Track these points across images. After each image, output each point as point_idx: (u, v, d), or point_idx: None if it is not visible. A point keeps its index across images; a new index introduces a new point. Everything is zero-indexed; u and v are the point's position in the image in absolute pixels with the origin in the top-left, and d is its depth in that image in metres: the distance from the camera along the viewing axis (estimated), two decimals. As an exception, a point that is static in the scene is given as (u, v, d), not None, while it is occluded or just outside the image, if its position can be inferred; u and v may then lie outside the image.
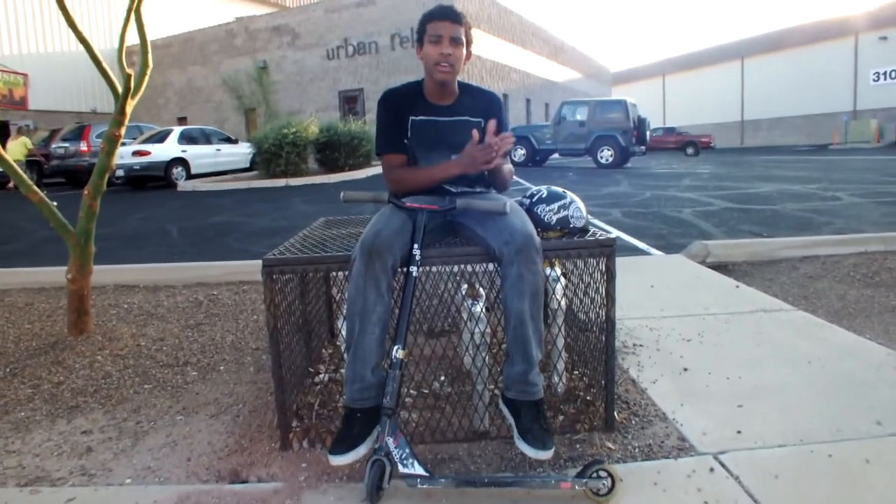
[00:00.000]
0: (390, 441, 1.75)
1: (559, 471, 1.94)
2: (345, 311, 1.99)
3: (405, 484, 1.74)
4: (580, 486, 1.72)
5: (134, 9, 3.39)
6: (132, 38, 3.54)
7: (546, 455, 1.78)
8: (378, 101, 2.31)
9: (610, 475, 1.72)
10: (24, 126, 18.81)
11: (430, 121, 2.24)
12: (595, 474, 1.72)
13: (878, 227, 6.21)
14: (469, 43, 2.21)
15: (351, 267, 1.93)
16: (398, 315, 1.88)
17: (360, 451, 1.80)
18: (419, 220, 2.00)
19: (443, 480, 1.75)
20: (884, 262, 4.60)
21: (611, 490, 1.72)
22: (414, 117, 2.24)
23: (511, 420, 1.92)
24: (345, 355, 2.04)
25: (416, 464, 1.73)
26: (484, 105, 2.30)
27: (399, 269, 1.98)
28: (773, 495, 1.74)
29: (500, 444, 2.11)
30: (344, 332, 2.06)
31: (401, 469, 1.73)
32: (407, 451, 1.75)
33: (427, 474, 1.73)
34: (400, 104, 2.27)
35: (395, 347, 1.83)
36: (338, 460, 1.78)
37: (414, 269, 1.92)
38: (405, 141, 2.26)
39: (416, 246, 1.95)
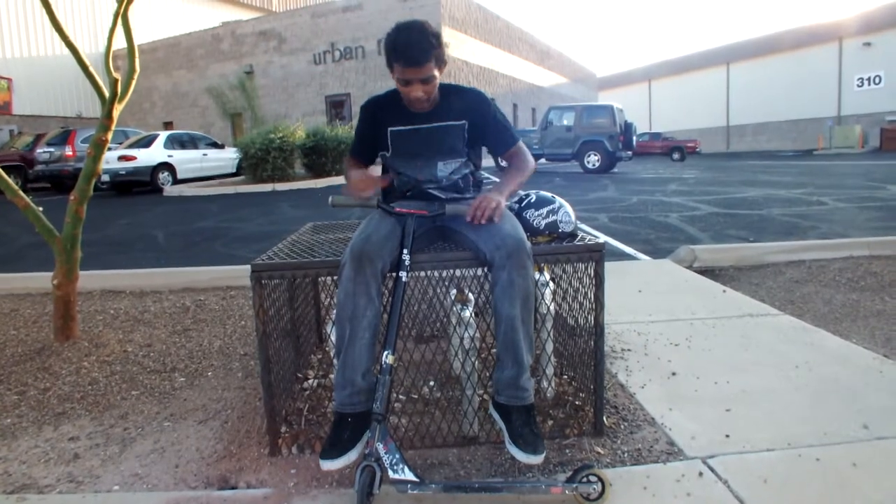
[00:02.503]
0: (380, 446, 1.75)
1: (549, 476, 1.94)
2: (334, 316, 1.98)
3: (395, 490, 1.73)
4: (570, 490, 1.73)
5: (121, 13, 3.37)
6: (118, 43, 3.52)
7: (537, 460, 1.79)
8: (360, 107, 2.32)
9: (600, 480, 1.73)
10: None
11: (409, 129, 2.22)
12: (585, 479, 1.73)
13: (862, 232, 6.28)
14: (444, 63, 2.10)
15: (341, 272, 1.93)
16: (388, 320, 1.88)
17: (352, 455, 1.79)
18: (408, 225, 2.01)
19: (433, 486, 1.75)
20: (869, 266, 4.65)
21: (601, 495, 1.72)
22: (392, 128, 2.23)
23: (502, 425, 1.92)
24: (335, 360, 2.03)
25: (406, 469, 1.73)
26: (467, 105, 2.25)
27: (388, 274, 1.98)
28: (762, 499, 1.75)
29: (490, 449, 2.12)
30: (333, 338, 2.05)
31: (391, 475, 1.72)
32: (397, 456, 1.74)
33: (417, 480, 1.73)
34: (380, 115, 2.26)
35: (385, 352, 1.82)
36: (329, 465, 1.78)
37: (403, 273, 1.92)
38: (384, 153, 2.28)
39: (405, 251, 1.96)
